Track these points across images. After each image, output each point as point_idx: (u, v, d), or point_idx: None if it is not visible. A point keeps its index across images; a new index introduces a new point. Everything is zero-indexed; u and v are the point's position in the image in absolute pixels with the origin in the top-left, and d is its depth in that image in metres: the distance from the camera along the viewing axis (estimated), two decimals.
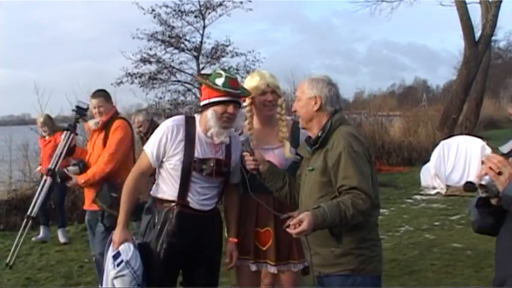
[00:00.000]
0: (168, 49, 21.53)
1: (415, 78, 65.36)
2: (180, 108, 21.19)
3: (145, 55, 21.08)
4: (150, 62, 21.16)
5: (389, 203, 11.77)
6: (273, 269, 4.00)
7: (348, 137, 3.28)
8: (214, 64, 21.55)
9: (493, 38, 26.30)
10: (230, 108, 3.72)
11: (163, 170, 3.85)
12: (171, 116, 4.42)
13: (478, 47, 22.14)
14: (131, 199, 3.86)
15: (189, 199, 3.81)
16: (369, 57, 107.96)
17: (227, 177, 3.95)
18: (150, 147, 3.82)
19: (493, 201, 2.63)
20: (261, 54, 22.32)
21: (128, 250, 3.75)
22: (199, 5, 20.98)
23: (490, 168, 2.50)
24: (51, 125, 9.28)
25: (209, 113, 3.73)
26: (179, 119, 3.91)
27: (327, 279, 3.38)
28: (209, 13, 21.26)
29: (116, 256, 3.75)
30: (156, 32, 21.12)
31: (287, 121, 4.15)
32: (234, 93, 3.74)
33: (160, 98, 21.60)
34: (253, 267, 4.03)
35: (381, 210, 10.69)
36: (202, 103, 3.85)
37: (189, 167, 3.76)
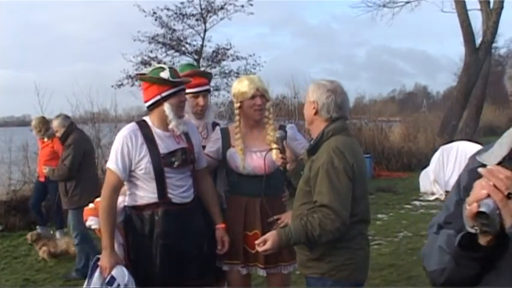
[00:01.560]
0: (169, 52, 21.55)
1: (415, 84, 65.41)
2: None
3: (146, 58, 21.08)
4: (151, 65, 21.16)
5: (388, 208, 11.78)
6: (262, 272, 4.05)
7: (331, 152, 3.28)
8: (215, 67, 21.57)
9: (494, 45, 26.35)
10: (183, 97, 3.87)
11: (134, 178, 3.82)
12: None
13: (478, 54, 22.18)
14: (111, 220, 3.74)
15: (169, 195, 3.81)
16: (369, 62, 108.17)
17: (194, 164, 4.00)
18: (114, 162, 3.76)
19: (484, 240, 1.66)
20: (261, 58, 22.42)
21: (122, 274, 3.66)
22: (201, 8, 20.99)
23: (495, 187, 1.60)
24: (47, 128, 9.10)
25: (166, 107, 3.78)
26: (131, 125, 3.89)
27: (306, 279, 3.52)
28: (210, 16, 21.28)
29: (111, 282, 3.64)
30: (157, 35, 21.14)
31: (274, 125, 4.18)
32: (181, 82, 3.87)
33: None
34: (244, 271, 4.07)
35: (380, 216, 10.81)
36: (153, 100, 3.82)
37: (159, 164, 3.76)
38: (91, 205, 4.04)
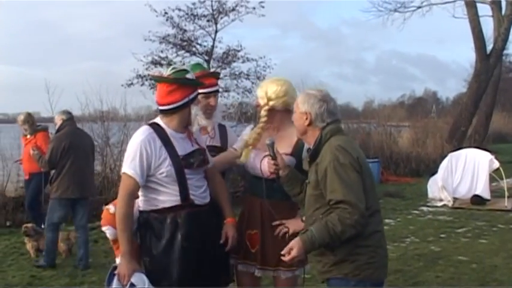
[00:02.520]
0: (179, 52, 21.56)
1: (425, 90, 65.18)
2: None
3: (156, 57, 21.10)
4: (161, 65, 21.16)
5: (396, 213, 11.75)
6: (257, 272, 4.06)
7: (334, 150, 3.32)
8: (225, 69, 21.56)
9: (505, 51, 26.24)
10: (198, 101, 3.98)
11: (153, 183, 3.74)
12: None
13: (489, 60, 22.13)
14: (129, 226, 3.69)
15: (192, 197, 3.77)
16: (378, 66, 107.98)
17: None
18: (132, 167, 3.66)
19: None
20: (272, 61, 22.32)
21: (142, 280, 3.60)
22: (212, 10, 20.99)
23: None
24: (32, 123, 9.37)
25: (194, 109, 3.86)
26: (146, 129, 3.79)
27: (328, 283, 3.49)
28: (221, 18, 21.29)
29: None
30: (168, 35, 21.15)
31: (292, 130, 4.14)
32: (201, 84, 3.96)
33: None
34: (239, 267, 4.12)
35: (387, 221, 10.76)
36: (181, 102, 3.76)
37: (181, 166, 3.73)
38: (111, 208, 3.93)
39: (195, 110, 4.16)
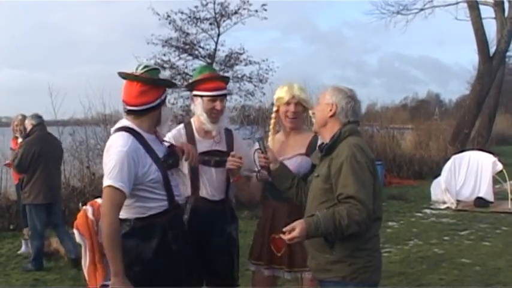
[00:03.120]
0: (182, 55, 21.54)
1: (427, 92, 64.95)
2: (192, 114, 21.19)
3: (159, 61, 21.07)
4: (164, 68, 21.14)
5: (399, 216, 11.75)
6: (286, 275, 4.13)
7: (353, 147, 3.36)
8: (228, 72, 21.54)
9: (508, 53, 26.16)
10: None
11: (141, 190, 3.60)
12: (182, 122, 4.46)
13: (492, 63, 22.09)
14: (119, 243, 3.43)
15: (176, 198, 3.76)
16: (381, 69, 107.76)
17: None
18: (118, 179, 3.44)
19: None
20: (274, 64, 22.30)
21: None
22: (215, 13, 20.97)
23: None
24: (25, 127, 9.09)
25: (164, 110, 3.75)
26: (125, 136, 3.59)
27: (322, 284, 3.51)
28: (224, 21, 21.28)
29: None
30: (171, 38, 21.14)
31: (307, 132, 4.28)
32: (171, 84, 4.01)
33: (173, 104, 21.57)
34: (266, 272, 4.17)
35: (390, 223, 10.77)
36: (155, 103, 3.69)
37: (165, 170, 3.69)
38: (89, 210, 3.79)
39: (199, 111, 4.16)
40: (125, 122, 3.69)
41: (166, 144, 3.89)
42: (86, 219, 3.77)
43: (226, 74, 20.96)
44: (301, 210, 3.90)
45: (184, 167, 4.15)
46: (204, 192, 4.17)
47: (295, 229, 3.23)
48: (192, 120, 4.30)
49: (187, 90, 4.15)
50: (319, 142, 3.93)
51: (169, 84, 3.79)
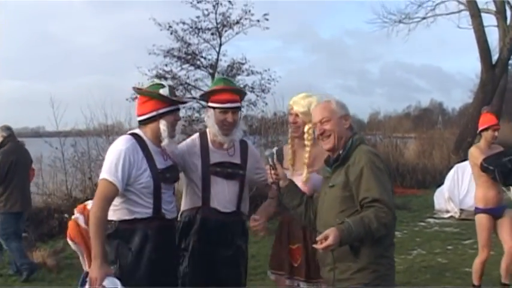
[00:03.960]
0: (183, 66, 21.58)
1: (431, 101, 64.83)
2: (195, 125, 21.22)
3: (161, 71, 21.13)
4: (166, 78, 21.17)
5: (402, 225, 11.71)
6: (302, 285, 4.17)
7: (369, 153, 3.42)
8: None
9: (510, 61, 26.16)
10: (177, 116, 3.96)
11: (129, 192, 3.77)
12: (185, 133, 4.51)
13: (494, 71, 22.08)
14: (103, 231, 3.64)
15: (163, 211, 3.85)
16: (383, 78, 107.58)
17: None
18: (113, 174, 3.67)
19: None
20: (276, 73, 22.29)
21: (115, 284, 3.56)
22: (216, 23, 21.04)
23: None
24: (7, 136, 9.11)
25: (161, 124, 3.84)
26: (129, 138, 3.85)
27: None
28: (226, 31, 21.32)
29: None
30: (173, 49, 21.18)
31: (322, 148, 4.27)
32: (178, 101, 3.97)
33: None
34: (287, 282, 4.25)
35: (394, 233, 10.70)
36: (149, 115, 3.88)
37: (159, 180, 3.80)
38: (79, 218, 3.87)
39: (211, 123, 4.19)
40: (137, 129, 3.96)
41: (170, 161, 3.99)
42: (79, 229, 3.86)
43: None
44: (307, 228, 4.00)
45: (196, 177, 4.19)
46: (216, 203, 4.18)
47: (328, 237, 3.17)
48: (207, 130, 4.33)
49: (202, 100, 4.22)
50: (320, 156, 4.03)
51: (160, 97, 3.86)
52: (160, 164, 3.86)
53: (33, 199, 11.41)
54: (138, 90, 4.02)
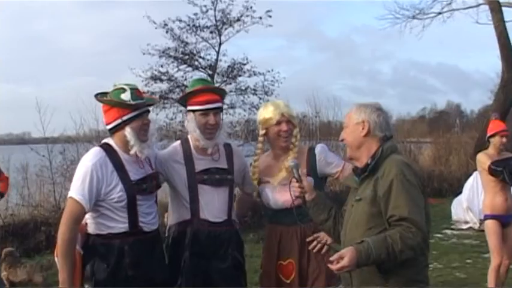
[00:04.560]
0: (180, 67, 21.55)
1: (447, 102, 64.74)
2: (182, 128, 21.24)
3: (156, 72, 21.09)
4: (162, 80, 21.20)
5: None
6: None
7: (400, 164, 3.30)
8: (230, 84, 21.55)
9: None
10: (145, 120, 3.94)
11: (102, 208, 3.84)
12: (180, 139, 4.50)
13: None
14: (71, 253, 3.72)
15: (141, 224, 3.88)
16: (395, 78, 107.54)
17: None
18: (79, 192, 3.74)
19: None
20: (280, 74, 22.23)
21: None
22: (216, 20, 21.01)
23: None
24: None
25: (127, 132, 3.86)
26: (97, 151, 3.90)
27: None
28: (226, 29, 21.31)
29: None
30: (169, 48, 21.15)
31: (300, 148, 4.34)
32: (143, 104, 3.94)
33: (172, 119, 21.61)
34: None
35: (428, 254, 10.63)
36: (114, 124, 3.92)
37: (133, 192, 3.83)
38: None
39: (192, 128, 4.18)
40: (108, 139, 3.99)
41: (149, 169, 4.03)
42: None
43: (228, 86, 21.06)
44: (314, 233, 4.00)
45: (182, 187, 4.20)
46: (206, 213, 4.17)
47: (343, 257, 3.09)
48: (189, 136, 4.33)
49: (181, 105, 4.20)
50: (318, 160, 4.16)
51: (119, 105, 3.88)
52: (135, 174, 3.90)
53: (18, 211, 11.52)
54: (99, 99, 4.00)
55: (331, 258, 3.16)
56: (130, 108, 3.86)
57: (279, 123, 4.21)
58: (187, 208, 4.19)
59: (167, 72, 21.33)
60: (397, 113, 37.87)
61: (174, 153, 4.28)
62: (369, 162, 3.41)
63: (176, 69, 21.54)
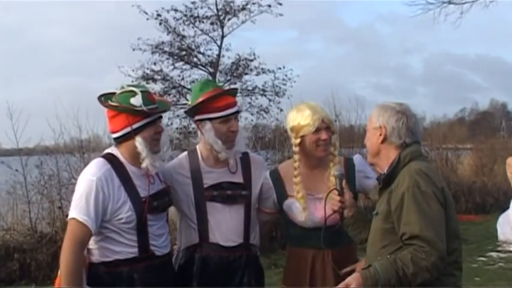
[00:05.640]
0: (177, 64, 21.68)
1: (490, 101, 64.86)
2: (192, 137, 21.22)
3: (148, 71, 21.24)
4: (155, 80, 21.31)
5: None
6: None
7: (415, 174, 3.35)
8: (235, 83, 21.58)
9: None
10: (158, 127, 3.91)
11: (107, 230, 3.79)
12: (180, 148, 4.48)
13: None
14: (80, 283, 3.67)
15: (152, 248, 3.84)
16: (428, 74, 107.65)
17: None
18: (83, 212, 3.68)
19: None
20: (293, 72, 22.21)
21: None
22: (217, 9, 21.08)
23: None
24: None
25: (138, 142, 3.81)
26: (101, 163, 3.85)
27: None
28: (229, 19, 21.38)
29: None
30: (163, 43, 21.28)
31: (339, 160, 4.30)
32: (155, 110, 3.89)
33: (167, 125, 21.67)
34: None
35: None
36: (122, 133, 3.87)
37: (142, 211, 3.78)
38: None
39: (212, 139, 4.13)
40: (112, 148, 3.96)
41: (160, 184, 4.01)
42: None
43: (233, 86, 21.04)
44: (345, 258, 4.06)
45: (189, 206, 4.18)
46: (217, 236, 4.15)
47: (350, 286, 3.21)
48: (197, 147, 4.30)
49: (188, 116, 4.17)
50: (357, 170, 4.18)
51: (129, 111, 3.83)
52: (144, 190, 3.85)
53: None
54: (106, 104, 3.94)
55: (337, 287, 3.27)
56: (142, 115, 3.83)
57: (318, 130, 4.15)
58: (195, 230, 4.18)
59: (161, 70, 21.46)
60: (430, 115, 37.95)
61: (179, 166, 4.26)
62: (384, 172, 3.51)
63: (172, 67, 21.69)
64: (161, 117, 3.99)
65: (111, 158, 3.86)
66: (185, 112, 4.26)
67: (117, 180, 3.76)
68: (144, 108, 3.79)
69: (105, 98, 3.95)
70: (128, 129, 3.81)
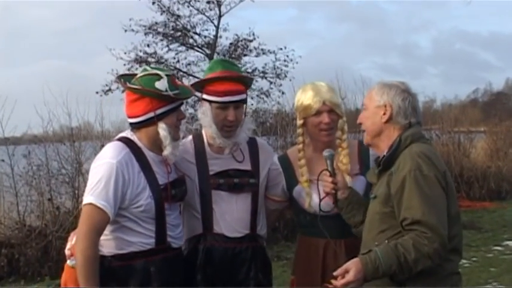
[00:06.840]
0: (171, 45, 21.66)
1: (506, 81, 64.64)
2: (189, 124, 21.25)
3: (141, 53, 21.22)
4: (148, 63, 21.22)
5: (471, 250, 11.66)
6: None
7: (417, 157, 3.37)
8: None
9: None
10: (181, 114, 3.93)
11: (124, 218, 3.76)
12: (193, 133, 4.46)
13: None
14: (97, 273, 3.63)
15: (169, 239, 3.84)
16: (437, 53, 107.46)
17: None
18: (102, 197, 3.64)
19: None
20: (295, 52, 22.17)
21: None
22: None
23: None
24: None
25: (161, 128, 3.81)
26: (120, 146, 3.83)
27: None
28: None
29: None
30: (156, 23, 21.25)
31: (350, 144, 4.27)
32: (180, 97, 3.92)
33: None
34: None
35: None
36: (144, 117, 3.85)
37: (161, 199, 3.77)
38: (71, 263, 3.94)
39: (207, 122, 4.14)
40: (128, 132, 3.93)
41: (177, 172, 4.02)
42: (72, 270, 3.94)
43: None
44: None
45: (192, 194, 4.17)
46: (222, 226, 4.15)
47: (348, 271, 3.22)
48: (203, 131, 4.31)
49: (195, 90, 4.15)
50: (371, 154, 4.08)
51: (158, 96, 3.81)
52: (162, 178, 3.86)
53: None
54: (128, 86, 3.90)
55: (335, 273, 3.27)
56: (167, 100, 3.82)
57: (319, 113, 4.13)
58: (198, 220, 4.19)
59: (155, 53, 21.44)
60: (441, 96, 37.93)
61: (183, 151, 4.22)
62: (384, 154, 3.51)
63: (166, 48, 21.66)
64: (183, 103, 3.99)
65: (128, 142, 3.84)
66: (192, 85, 4.22)
67: (136, 164, 3.76)
68: (170, 93, 3.79)
69: (124, 80, 3.95)
70: (151, 114, 3.79)
